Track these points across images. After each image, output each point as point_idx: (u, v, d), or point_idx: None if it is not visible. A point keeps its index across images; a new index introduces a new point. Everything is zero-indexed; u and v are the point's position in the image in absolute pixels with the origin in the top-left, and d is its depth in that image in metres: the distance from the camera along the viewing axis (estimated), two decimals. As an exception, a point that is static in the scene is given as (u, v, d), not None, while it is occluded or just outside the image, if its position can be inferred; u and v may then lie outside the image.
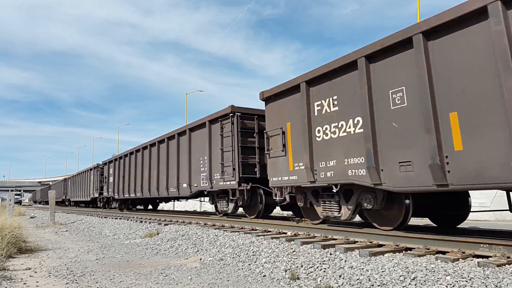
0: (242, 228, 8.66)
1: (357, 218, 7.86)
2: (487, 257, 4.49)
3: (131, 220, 13.53)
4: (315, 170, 7.05)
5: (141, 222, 12.55)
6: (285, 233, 7.44)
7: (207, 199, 12.42)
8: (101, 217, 16.86)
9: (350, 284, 4.15)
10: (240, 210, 11.34)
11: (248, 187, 9.61)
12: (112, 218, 15.51)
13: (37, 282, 4.99)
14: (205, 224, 10.16)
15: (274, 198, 8.43)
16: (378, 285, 3.97)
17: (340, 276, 4.39)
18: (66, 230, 13.10)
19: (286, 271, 4.83)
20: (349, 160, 6.40)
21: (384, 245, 5.60)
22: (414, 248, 5.22)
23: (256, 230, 8.20)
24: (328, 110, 6.88)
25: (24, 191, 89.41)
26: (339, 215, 6.88)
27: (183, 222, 11.24)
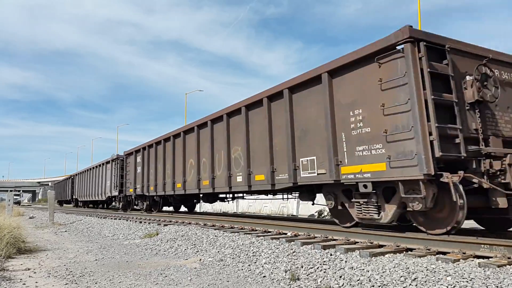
0: (242, 228, 8.64)
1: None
2: (487, 257, 4.48)
3: (130, 221, 13.51)
4: None
5: (141, 222, 12.53)
6: (285, 234, 7.42)
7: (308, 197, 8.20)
8: (100, 217, 16.83)
9: (350, 284, 4.13)
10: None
11: (457, 178, 5.12)
12: (111, 218, 15.49)
13: (36, 282, 4.97)
14: (204, 224, 10.14)
15: None
16: (379, 286, 3.96)
17: (340, 276, 4.37)
18: (65, 231, 13.07)
19: (286, 272, 4.81)
20: None
21: (385, 245, 5.58)
22: (414, 249, 5.21)
23: (256, 230, 8.18)
24: None
25: (23, 191, 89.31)
26: None
27: (183, 222, 11.22)
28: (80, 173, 31.48)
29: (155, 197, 16.01)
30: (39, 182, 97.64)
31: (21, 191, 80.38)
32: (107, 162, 22.86)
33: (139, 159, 17.29)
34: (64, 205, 42.93)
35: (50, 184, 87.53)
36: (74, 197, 34.11)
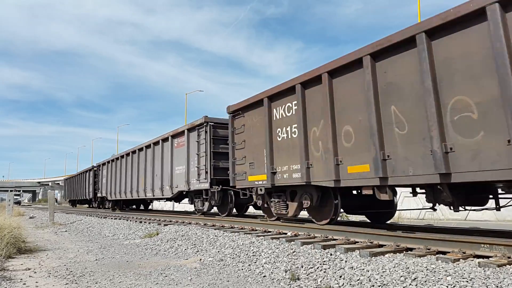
0: (242, 228, 8.64)
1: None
2: (487, 257, 4.48)
3: (130, 221, 13.52)
4: None
5: (141, 222, 12.54)
6: (285, 234, 7.42)
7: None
8: (101, 217, 16.84)
9: (350, 284, 4.14)
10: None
11: None
12: (112, 218, 15.50)
13: (36, 282, 4.97)
14: (205, 224, 10.15)
15: None
16: (379, 286, 3.96)
17: (340, 276, 4.38)
18: (66, 231, 13.08)
19: (286, 272, 4.82)
20: None
21: (385, 245, 5.59)
22: (414, 249, 5.21)
23: (256, 230, 8.18)
24: None
25: (24, 191, 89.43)
26: None
27: (183, 222, 11.23)
28: (113, 160, 21.88)
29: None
30: (39, 182, 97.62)
31: (21, 191, 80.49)
32: (178, 134, 13.60)
33: (291, 111, 8.02)
34: (79, 205, 35.64)
35: (50, 184, 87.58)
36: (98, 195, 25.50)
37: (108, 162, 22.82)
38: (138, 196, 17.53)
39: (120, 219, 14.79)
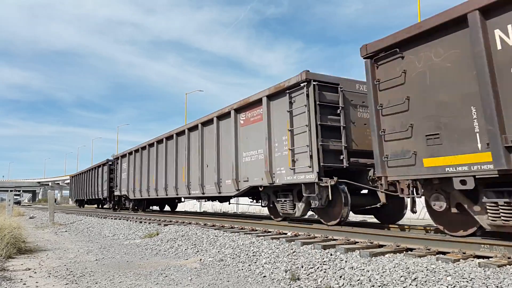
0: (242, 228, 8.65)
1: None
2: (487, 257, 4.49)
3: (130, 221, 13.52)
4: None
5: (141, 222, 12.54)
6: (286, 234, 7.43)
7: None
8: (101, 217, 16.84)
9: (350, 284, 4.14)
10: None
11: None
12: (112, 218, 15.50)
13: (36, 282, 4.97)
14: (205, 224, 10.15)
15: None
16: (379, 286, 3.96)
17: (340, 276, 4.38)
18: (66, 231, 13.08)
19: (286, 272, 4.82)
20: None
21: (385, 245, 5.59)
22: (414, 249, 5.22)
23: (256, 230, 8.19)
24: None
25: (23, 191, 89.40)
26: None
27: (183, 222, 11.23)
28: (138, 150, 17.58)
29: None
30: (39, 182, 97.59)
31: (21, 191, 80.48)
32: (253, 104, 9.35)
33: None
34: (87, 206, 31.60)
35: (50, 184, 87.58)
36: (116, 193, 21.10)
37: (130, 153, 18.52)
38: (177, 194, 13.38)
39: (120, 219, 14.79)
